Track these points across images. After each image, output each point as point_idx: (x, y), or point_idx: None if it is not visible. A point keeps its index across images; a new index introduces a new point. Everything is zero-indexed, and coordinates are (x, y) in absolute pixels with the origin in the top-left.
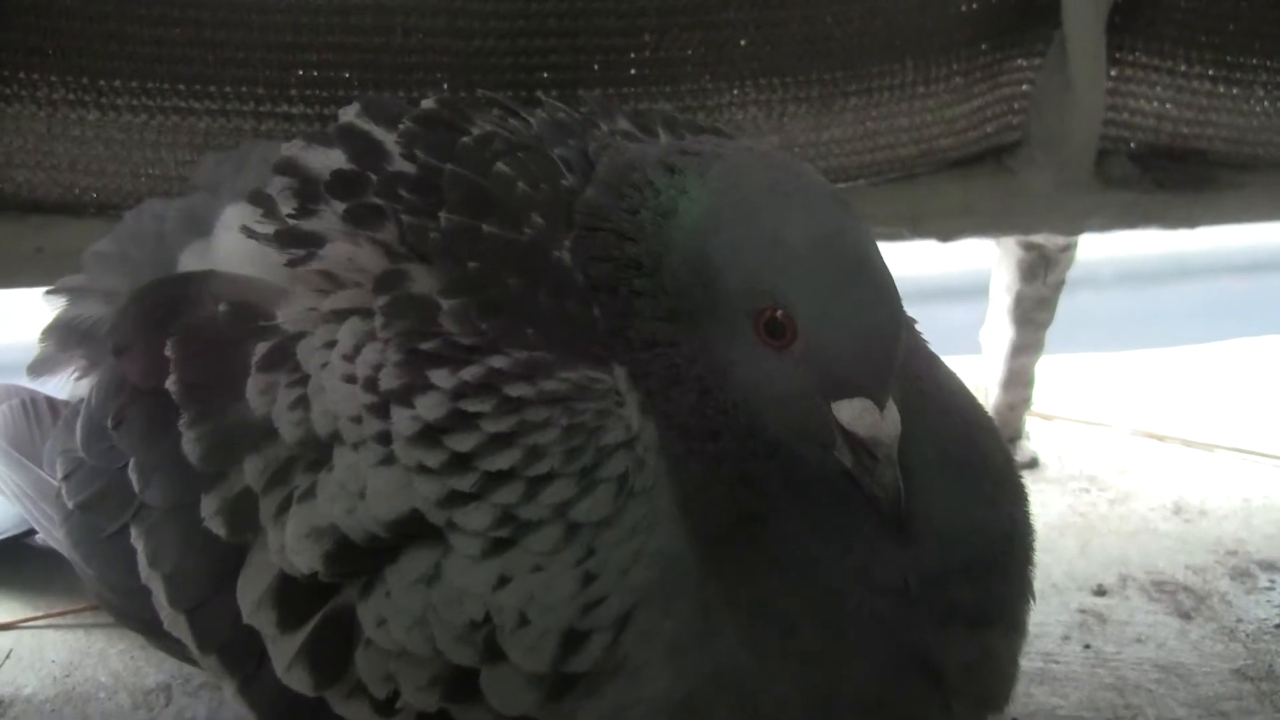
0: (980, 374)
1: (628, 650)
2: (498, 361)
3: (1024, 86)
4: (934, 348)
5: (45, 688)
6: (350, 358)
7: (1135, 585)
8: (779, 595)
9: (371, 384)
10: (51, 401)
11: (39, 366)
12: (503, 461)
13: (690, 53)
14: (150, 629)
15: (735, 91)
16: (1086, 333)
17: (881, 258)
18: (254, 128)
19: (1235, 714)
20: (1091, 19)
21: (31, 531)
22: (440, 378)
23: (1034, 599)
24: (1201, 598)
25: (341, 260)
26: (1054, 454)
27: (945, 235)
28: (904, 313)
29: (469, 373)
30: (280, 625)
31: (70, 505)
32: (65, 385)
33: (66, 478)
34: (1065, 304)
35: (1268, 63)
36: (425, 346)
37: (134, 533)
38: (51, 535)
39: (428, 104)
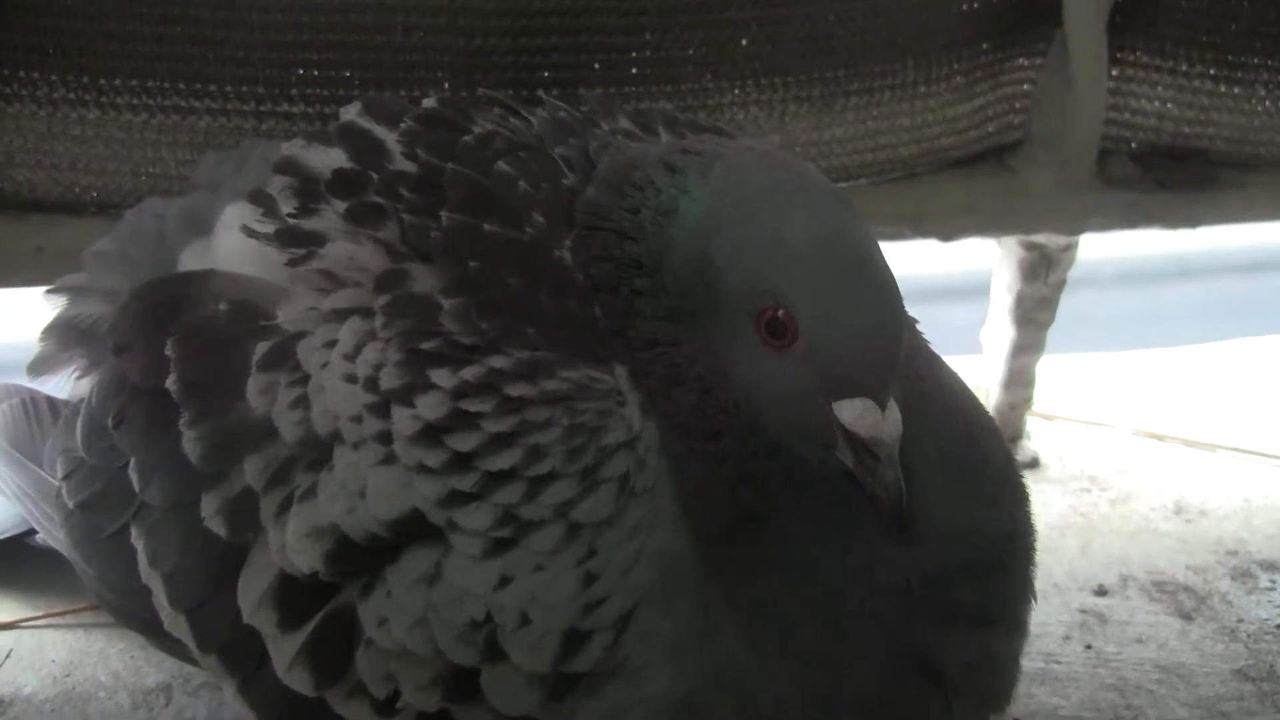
0: (981, 374)
1: (628, 650)
2: (499, 361)
3: (1025, 86)
4: (935, 347)
5: (45, 687)
6: (351, 357)
7: (1136, 585)
8: (779, 595)
9: (372, 383)
10: (52, 401)
11: (39, 366)
12: (504, 461)
13: (692, 52)
14: (150, 629)
15: (737, 91)
16: (1087, 332)
17: (883, 257)
18: (254, 127)
19: (1236, 714)
20: (1093, 18)
21: (32, 531)
22: (441, 377)
23: (1035, 599)
24: (1202, 598)
25: (342, 259)
26: (1055, 454)
27: (946, 235)
28: (905, 312)
29: (470, 372)
30: (281, 625)
31: (70, 505)
32: (65, 384)
33: (67, 477)
34: (1066, 304)
35: (1269, 62)
36: (426, 346)
37: (134, 532)
38: (52, 535)
39: (429, 103)
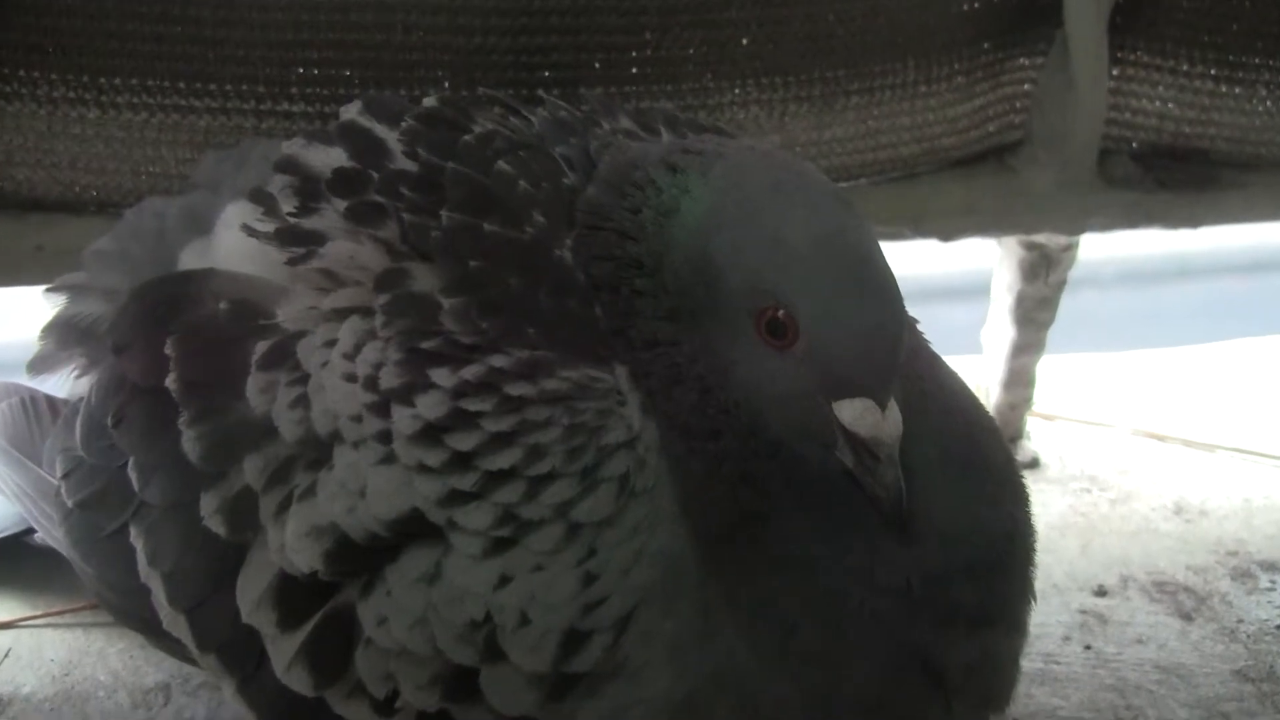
0: (981, 374)
1: (628, 650)
2: (499, 360)
3: (1026, 86)
4: (935, 347)
5: (44, 687)
6: (351, 356)
7: (1136, 586)
8: (780, 595)
9: (372, 383)
10: (51, 400)
11: (39, 364)
12: (504, 461)
13: (692, 51)
14: (149, 628)
15: (737, 90)
16: (1088, 333)
17: (883, 257)
18: (255, 126)
19: (1236, 715)
20: (1093, 18)
21: (31, 530)
22: (441, 376)
23: (1035, 599)
24: (1202, 598)
25: (342, 258)
26: (1055, 454)
27: (947, 234)
28: (906, 312)
29: (470, 371)
30: (280, 624)
31: (70, 504)
32: (65, 383)
33: (66, 476)
34: (1067, 304)
35: (1270, 62)
36: (426, 345)
37: (133, 531)
38: (51, 534)
39: (429, 102)
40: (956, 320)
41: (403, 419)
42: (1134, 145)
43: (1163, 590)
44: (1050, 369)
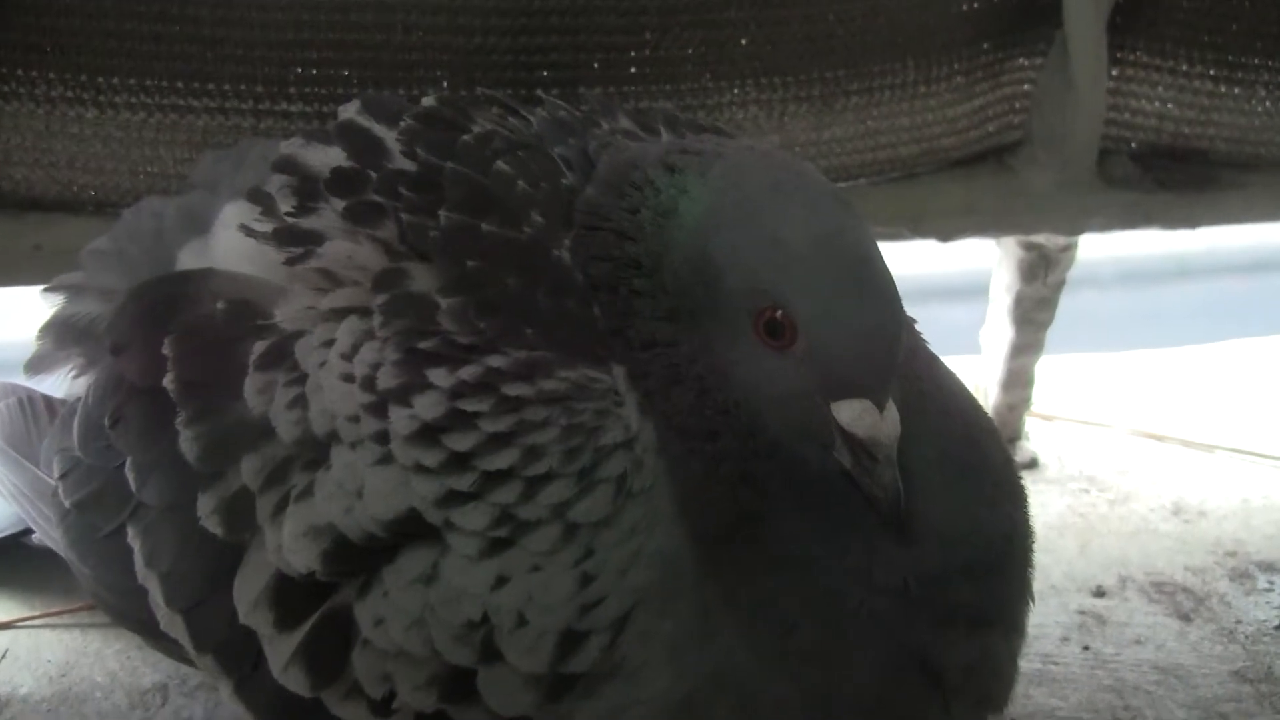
0: (980, 374)
1: (626, 651)
2: (496, 361)
3: (1025, 86)
4: (934, 348)
5: (42, 687)
6: (348, 356)
7: (1134, 586)
8: (778, 595)
9: (369, 383)
10: (49, 400)
11: (36, 364)
12: (501, 461)
13: (691, 51)
14: (147, 629)
15: (736, 90)
16: (1087, 333)
17: (882, 257)
18: (253, 125)
19: (1234, 716)
20: (1093, 18)
21: (28, 531)
22: (438, 377)
23: (1033, 600)
24: (1201, 599)
25: (340, 258)
26: (1054, 454)
27: (946, 235)
28: (904, 313)
29: (467, 372)
30: (277, 625)
31: (67, 504)
32: (62, 383)
33: (63, 477)
34: (1065, 304)
35: (1269, 62)
36: (424, 345)
37: (131, 532)
38: (48, 534)
39: (428, 102)
40: (955, 320)
41: (400, 419)
42: (1133, 145)
43: (1161, 591)
44: (1049, 369)
